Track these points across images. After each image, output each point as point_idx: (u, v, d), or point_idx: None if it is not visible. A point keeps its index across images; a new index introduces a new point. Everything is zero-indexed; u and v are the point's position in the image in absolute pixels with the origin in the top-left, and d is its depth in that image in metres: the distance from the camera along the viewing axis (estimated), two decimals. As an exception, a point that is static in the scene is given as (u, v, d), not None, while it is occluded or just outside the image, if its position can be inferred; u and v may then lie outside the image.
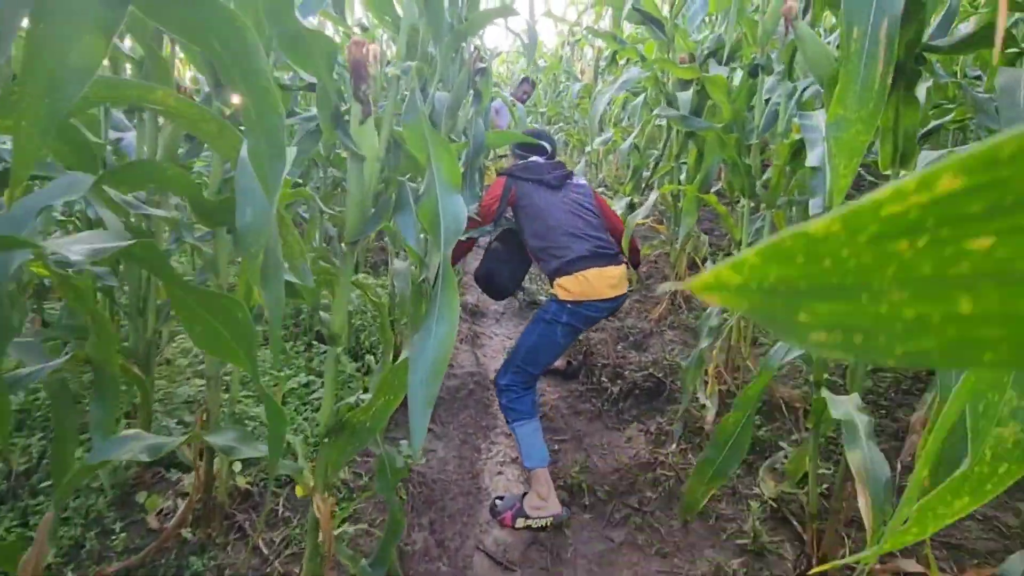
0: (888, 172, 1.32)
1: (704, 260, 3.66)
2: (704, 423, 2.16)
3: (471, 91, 2.30)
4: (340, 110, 0.99)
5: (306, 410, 2.15)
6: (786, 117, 2.21)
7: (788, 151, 1.95)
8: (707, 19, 4.31)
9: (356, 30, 3.76)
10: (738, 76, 2.59)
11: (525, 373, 2.03)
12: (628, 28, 5.55)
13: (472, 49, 2.25)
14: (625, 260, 2.24)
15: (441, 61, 2.04)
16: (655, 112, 2.37)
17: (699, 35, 3.51)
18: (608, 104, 6.01)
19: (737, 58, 3.19)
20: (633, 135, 3.45)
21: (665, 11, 3.12)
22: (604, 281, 2.05)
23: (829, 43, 1.44)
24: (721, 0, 3.23)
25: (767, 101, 2.30)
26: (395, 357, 2.31)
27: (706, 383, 2.30)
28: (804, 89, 2.22)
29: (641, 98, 3.58)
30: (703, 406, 2.25)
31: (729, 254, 3.94)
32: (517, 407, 1.99)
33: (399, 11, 2.10)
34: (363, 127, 1.01)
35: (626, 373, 2.61)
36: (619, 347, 2.88)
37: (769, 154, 2.52)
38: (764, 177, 2.39)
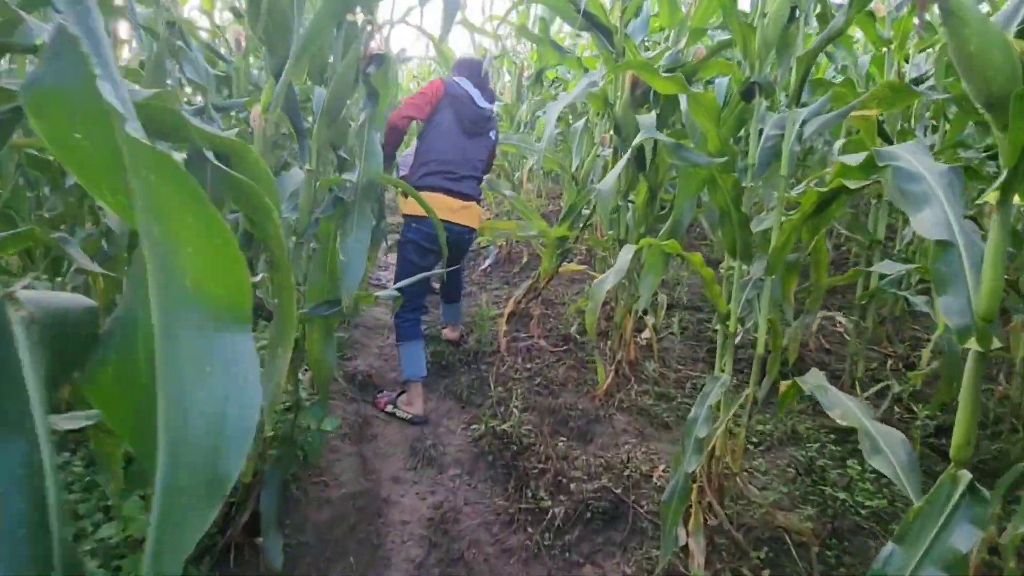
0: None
1: (643, 313, 3.11)
2: (693, 583, 1.51)
3: (361, 86, 1.56)
4: None
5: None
6: (788, 154, 1.67)
7: (814, 201, 1.39)
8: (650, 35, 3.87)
9: None
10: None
11: (405, 298, 2.24)
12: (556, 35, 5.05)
13: (365, 26, 1.51)
14: (479, 202, 2.62)
15: (311, 35, 1.31)
16: (639, 138, 1.75)
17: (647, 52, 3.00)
18: (533, 122, 5.48)
19: (695, 80, 2.69)
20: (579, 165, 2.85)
21: (614, 20, 2.56)
22: (444, 205, 2.40)
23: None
24: (673, 11, 2.74)
25: (760, 132, 1.76)
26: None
27: (688, 510, 1.67)
28: (804, 121, 1.71)
29: (581, 123, 3.00)
30: (685, 548, 1.61)
31: (694, 308, 3.43)
32: (403, 329, 2.45)
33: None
34: None
35: (571, 485, 1.92)
36: (559, 442, 2.19)
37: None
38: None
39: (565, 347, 3.10)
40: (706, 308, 3.46)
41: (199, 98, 2.48)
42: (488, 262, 4.73)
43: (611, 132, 2.88)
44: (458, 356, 2.94)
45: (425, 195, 2.21)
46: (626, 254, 1.61)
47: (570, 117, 5.26)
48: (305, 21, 1.42)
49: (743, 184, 1.69)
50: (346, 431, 2.16)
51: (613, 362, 2.72)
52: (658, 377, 2.68)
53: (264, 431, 1.52)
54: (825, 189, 1.31)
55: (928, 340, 3.07)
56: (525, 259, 4.62)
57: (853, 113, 1.60)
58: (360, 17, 1.51)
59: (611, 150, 2.93)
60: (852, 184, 1.23)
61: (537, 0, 2.51)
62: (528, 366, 2.90)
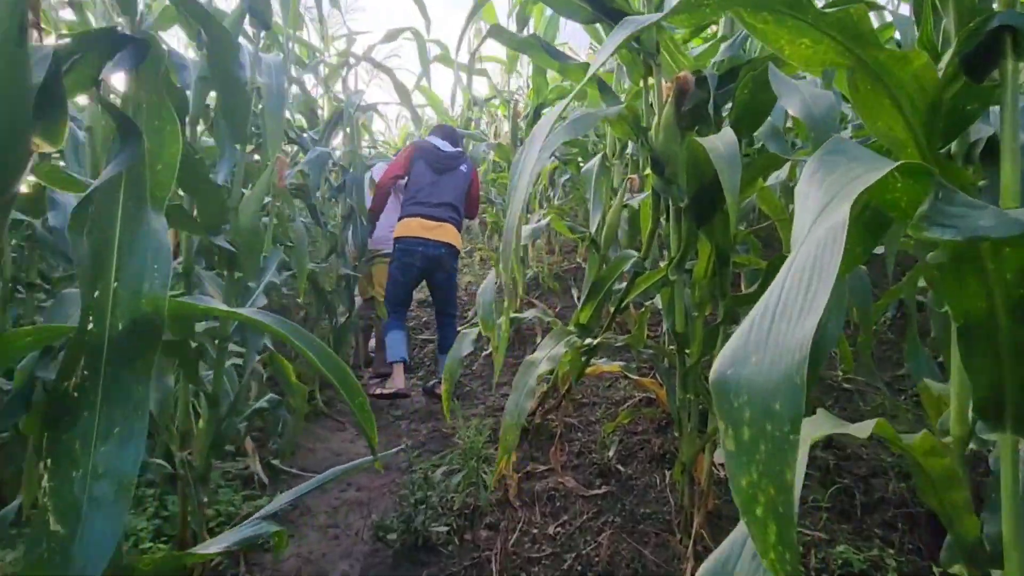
0: None
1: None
2: None
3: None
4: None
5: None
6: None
7: None
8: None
9: None
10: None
11: (389, 304, 3.14)
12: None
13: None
14: (456, 224, 3.25)
15: None
16: (729, 180, 0.85)
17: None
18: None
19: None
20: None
21: (638, 4, 1.70)
22: (420, 225, 3.09)
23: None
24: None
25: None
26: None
27: None
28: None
29: (595, 162, 2.10)
30: None
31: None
32: (387, 323, 3.18)
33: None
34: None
35: None
36: None
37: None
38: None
39: (603, 487, 2.10)
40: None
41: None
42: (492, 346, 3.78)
43: (645, 171, 1.98)
44: (445, 519, 1.95)
45: (405, 221, 3.14)
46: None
47: (579, 157, 4.42)
48: None
49: None
50: None
51: (684, 529, 1.71)
52: (765, 557, 1.64)
53: None
54: None
55: None
56: (539, 338, 3.66)
57: None
58: None
59: (642, 197, 2.01)
60: None
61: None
62: (552, 530, 1.90)
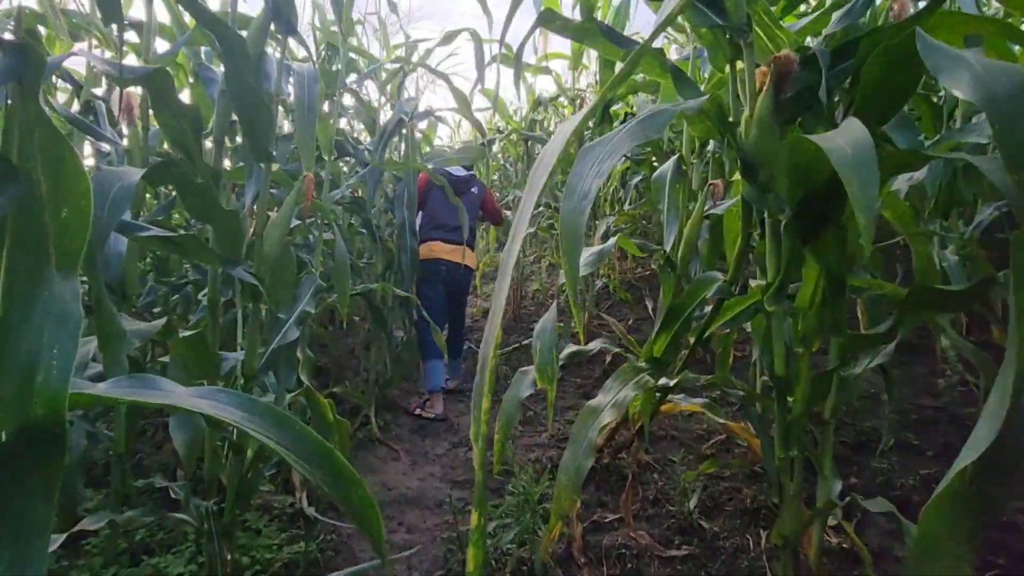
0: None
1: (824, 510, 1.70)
2: None
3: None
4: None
5: None
6: None
7: None
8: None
9: None
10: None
11: (424, 322, 2.93)
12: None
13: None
14: (471, 246, 3.59)
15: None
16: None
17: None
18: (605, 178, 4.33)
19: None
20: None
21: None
22: (440, 248, 3.42)
23: None
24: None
25: None
26: None
27: None
28: None
29: (670, 165, 1.79)
30: None
31: (911, 451, 1.96)
32: (426, 348, 3.22)
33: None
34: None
35: None
36: None
37: None
38: None
39: (684, 548, 1.78)
40: (926, 447, 1.99)
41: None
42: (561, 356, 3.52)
43: (731, 176, 1.66)
44: (499, 572, 1.72)
45: (428, 244, 3.42)
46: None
47: (653, 157, 4.06)
48: None
49: None
50: None
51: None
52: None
53: None
54: None
55: None
56: (610, 357, 3.36)
57: None
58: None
59: (728, 205, 1.68)
60: None
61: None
62: (621, 599, 1.61)
